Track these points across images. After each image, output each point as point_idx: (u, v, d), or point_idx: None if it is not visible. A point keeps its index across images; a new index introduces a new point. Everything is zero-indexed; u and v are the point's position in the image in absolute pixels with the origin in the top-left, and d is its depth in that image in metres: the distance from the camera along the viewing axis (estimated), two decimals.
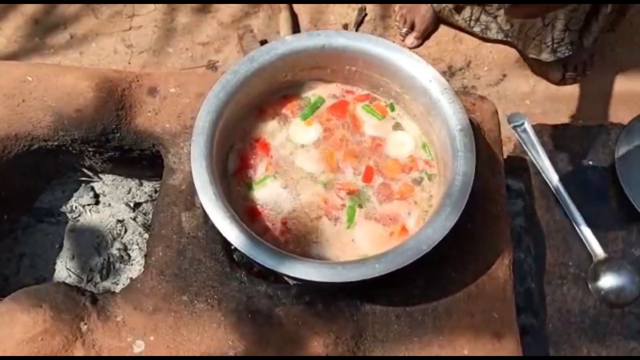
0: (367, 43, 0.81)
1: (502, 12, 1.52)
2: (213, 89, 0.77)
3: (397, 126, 0.86)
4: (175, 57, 1.66)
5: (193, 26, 1.71)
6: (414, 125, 0.86)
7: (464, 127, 0.76)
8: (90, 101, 0.89)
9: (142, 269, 0.81)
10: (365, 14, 1.76)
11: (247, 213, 0.79)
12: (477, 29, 1.62)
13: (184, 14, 1.73)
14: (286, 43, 0.80)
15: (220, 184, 0.74)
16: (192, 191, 0.82)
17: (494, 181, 0.87)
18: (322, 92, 0.87)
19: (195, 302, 0.77)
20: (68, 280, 0.93)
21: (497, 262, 0.81)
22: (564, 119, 1.55)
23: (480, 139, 0.87)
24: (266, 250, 0.69)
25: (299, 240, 0.78)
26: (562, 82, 1.62)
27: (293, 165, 0.82)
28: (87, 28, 1.69)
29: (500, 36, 1.60)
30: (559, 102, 1.59)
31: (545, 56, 1.51)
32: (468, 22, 1.62)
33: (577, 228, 1.03)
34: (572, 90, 1.61)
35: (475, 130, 0.78)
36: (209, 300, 0.77)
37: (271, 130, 0.85)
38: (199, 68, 1.64)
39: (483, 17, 1.58)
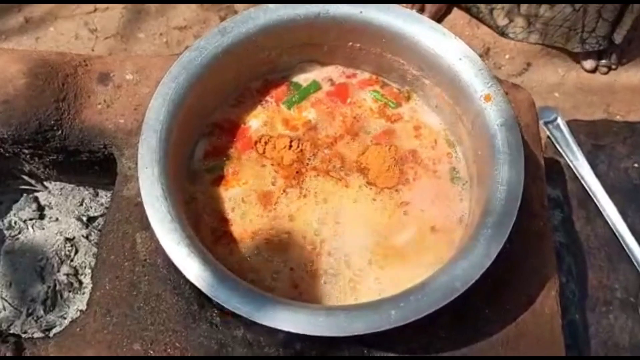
0: (376, 11, 0.72)
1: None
2: (170, 71, 0.69)
3: (413, 120, 0.79)
4: (147, 44, 1.61)
5: (168, 8, 1.65)
6: (436, 118, 0.79)
7: (508, 120, 0.66)
8: (21, 90, 0.81)
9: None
10: None
11: (215, 226, 0.72)
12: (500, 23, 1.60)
13: None
14: (268, 11, 0.72)
15: (179, 194, 0.68)
16: None
17: (535, 190, 0.78)
18: (316, 76, 0.81)
19: (151, 352, 0.69)
20: (2, 314, 0.86)
21: (542, 293, 0.72)
22: (599, 113, 1.52)
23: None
24: (239, 290, 0.60)
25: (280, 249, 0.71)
26: (595, 71, 1.59)
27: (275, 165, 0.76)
28: (45, 10, 1.65)
29: (521, 36, 1.57)
30: (592, 94, 1.55)
31: (573, 45, 1.49)
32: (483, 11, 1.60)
33: (623, 243, 0.95)
34: (607, 80, 1.57)
35: None
36: (169, 350, 0.69)
37: (250, 121, 0.78)
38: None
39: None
